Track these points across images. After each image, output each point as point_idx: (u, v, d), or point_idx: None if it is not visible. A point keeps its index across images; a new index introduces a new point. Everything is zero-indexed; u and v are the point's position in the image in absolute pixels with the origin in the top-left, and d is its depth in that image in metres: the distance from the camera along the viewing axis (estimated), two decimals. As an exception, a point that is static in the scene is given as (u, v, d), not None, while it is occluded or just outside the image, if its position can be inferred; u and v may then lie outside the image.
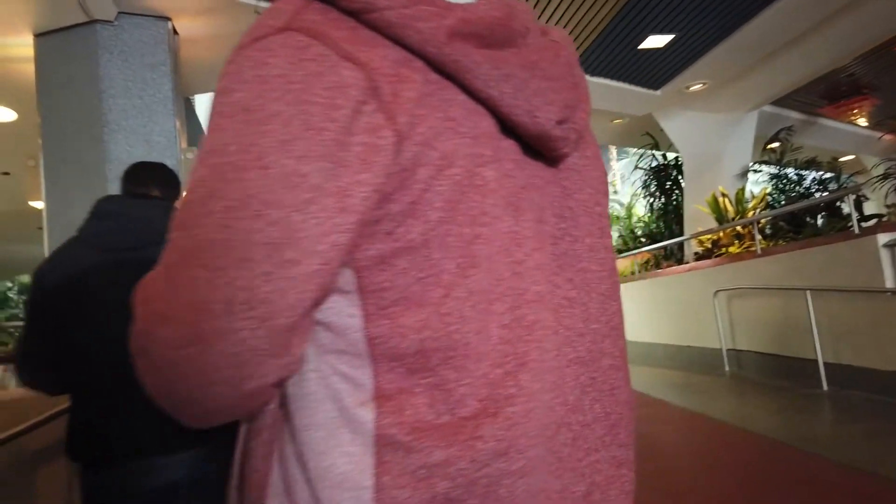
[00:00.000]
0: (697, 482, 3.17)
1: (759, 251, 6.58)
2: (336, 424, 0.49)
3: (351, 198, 0.45)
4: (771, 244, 7.28)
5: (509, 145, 0.54)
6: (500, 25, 0.50)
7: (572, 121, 0.57)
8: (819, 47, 7.12)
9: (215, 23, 4.50)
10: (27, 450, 2.33)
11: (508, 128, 0.53)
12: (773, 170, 10.92)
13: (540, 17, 6.03)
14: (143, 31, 4.27)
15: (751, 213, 8.14)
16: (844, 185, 11.30)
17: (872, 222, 6.89)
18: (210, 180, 0.45)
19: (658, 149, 10.74)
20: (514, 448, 0.48)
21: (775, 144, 10.66)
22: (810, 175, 11.03)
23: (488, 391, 0.48)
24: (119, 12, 4.19)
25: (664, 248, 9.73)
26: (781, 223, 8.47)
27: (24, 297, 20.09)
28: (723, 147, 9.22)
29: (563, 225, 0.59)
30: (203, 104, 6.43)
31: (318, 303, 0.48)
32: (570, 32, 6.48)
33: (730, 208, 8.41)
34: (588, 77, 7.62)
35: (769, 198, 9.72)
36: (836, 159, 12.44)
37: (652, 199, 11.10)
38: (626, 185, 17.79)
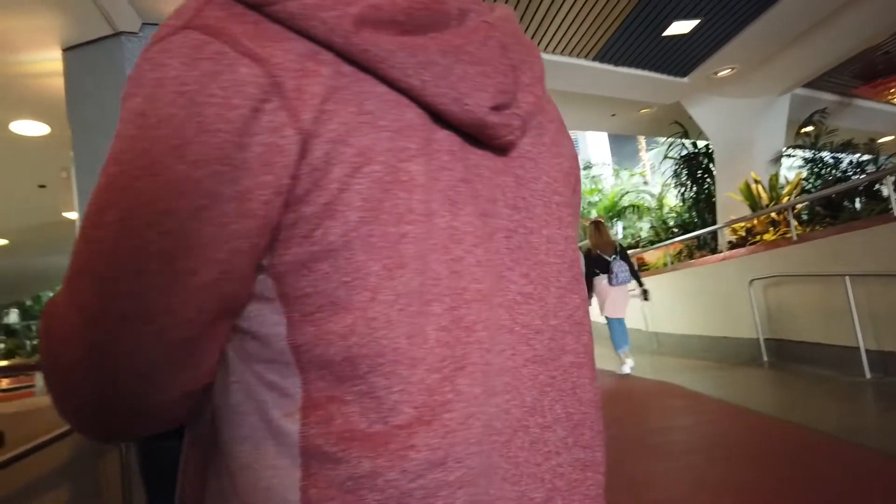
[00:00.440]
0: (736, 475, 3.11)
1: (794, 237, 6.43)
2: (261, 437, 0.47)
3: (251, 202, 0.43)
4: (807, 230, 7.11)
5: (445, 136, 0.50)
6: (421, 10, 0.47)
7: (515, 106, 0.53)
8: (852, 25, 6.92)
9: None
10: (85, 443, 2.43)
11: (441, 118, 0.50)
12: (808, 154, 10.67)
13: (560, 8, 5.98)
14: (167, 41, 4.34)
15: (785, 199, 7.97)
16: (883, 166, 10.96)
17: (914, 204, 6.68)
18: (106, 190, 0.44)
19: (687, 137, 10.60)
20: (451, 457, 0.45)
21: (809, 128, 10.43)
22: (847, 158, 10.74)
23: (425, 398, 0.45)
24: (143, 23, 4.26)
25: (697, 237, 9.58)
26: (818, 208, 8.29)
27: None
28: (754, 133, 9.06)
29: (518, 217, 0.56)
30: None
31: (225, 313, 0.47)
32: (592, 23, 6.41)
33: (763, 195, 8.25)
34: (612, 67, 7.54)
35: (804, 183, 9.51)
36: (873, 140, 12.14)
37: (683, 189, 10.96)
38: (656, 175, 17.58)
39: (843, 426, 3.78)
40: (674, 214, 12.51)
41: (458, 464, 0.45)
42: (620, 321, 7.25)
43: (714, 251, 8.95)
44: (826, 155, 10.62)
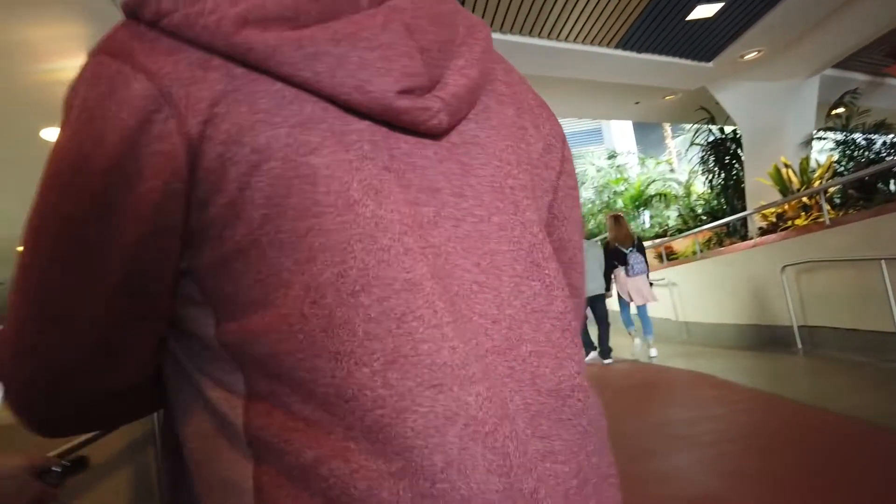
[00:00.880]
0: (772, 465, 3.05)
1: (827, 222, 6.29)
2: (213, 432, 0.49)
3: (146, 206, 0.45)
4: (840, 214, 6.96)
5: (364, 126, 0.50)
6: (310, 2, 0.48)
7: (437, 89, 0.52)
8: (882, 2, 6.74)
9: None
10: (116, 443, 2.49)
11: (351, 108, 0.50)
12: (839, 136, 10.44)
13: (581, -4, 5.92)
14: (189, 44, 4.40)
15: (817, 183, 7.81)
16: (919, 146, 10.69)
17: (951, 184, 6.51)
18: (33, 205, 0.48)
19: (714, 123, 10.46)
20: (390, 450, 0.45)
21: (840, 109, 10.22)
22: (880, 139, 10.48)
23: (353, 391, 0.45)
24: (166, 28, 4.33)
25: (727, 224, 9.44)
26: (850, 191, 8.10)
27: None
28: (783, 116, 8.89)
29: (465, 205, 0.54)
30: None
31: (143, 316, 0.50)
32: (613, 10, 6.33)
33: (794, 179, 8.10)
34: (635, 54, 7.45)
35: (836, 166, 9.31)
36: (907, 120, 11.83)
37: (711, 175, 10.82)
38: (682, 162, 17.36)
39: (881, 414, 3.68)
40: (702, 202, 12.34)
41: (397, 456, 0.45)
42: (643, 308, 7.59)
43: (744, 238, 8.82)
44: (858, 136, 10.38)
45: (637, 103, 9.72)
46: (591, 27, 6.70)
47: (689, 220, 11.78)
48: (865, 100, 10.29)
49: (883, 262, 5.10)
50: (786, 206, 7.80)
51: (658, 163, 18.61)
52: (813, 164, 8.53)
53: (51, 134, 5.77)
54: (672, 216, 14.62)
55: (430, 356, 0.47)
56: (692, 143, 11.27)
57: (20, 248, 0.48)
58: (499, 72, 0.63)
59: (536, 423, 0.52)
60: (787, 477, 2.86)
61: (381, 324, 0.46)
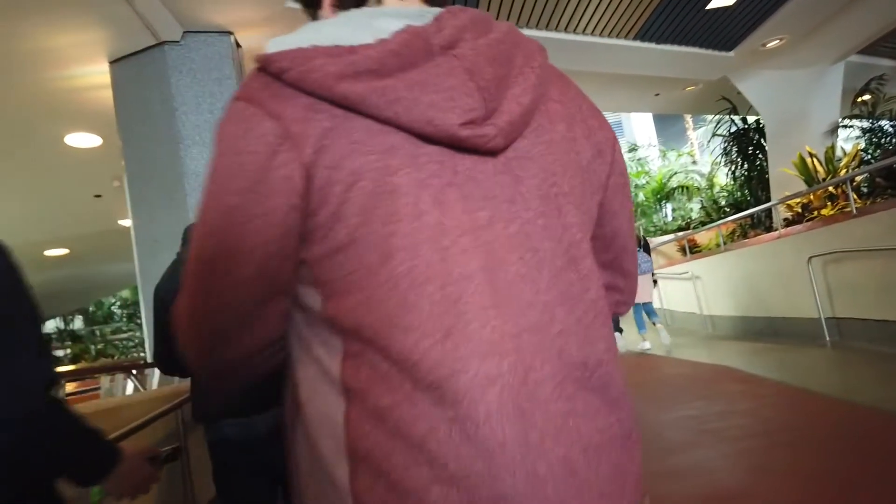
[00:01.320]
0: (801, 460, 3.01)
1: (854, 211, 6.17)
2: (318, 378, 0.66)
3: (275, 215, 0.61)
4: (867, 203, 6.83)
5: (433, 150, 0.64)
6: (391, 57, 0.62)
7: (493, 119, 0.65)
8: (908, -14, 6.60)
9: (274, 32, 4.61)
10: (146, 442, 2.53)
11: (425, 138, 0.64)
12: (866, 124, 10.25)
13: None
14: (208, 47, 4.44)
15: (843, 172, 7.68)
16: (948, 132, 10.44)
17: (983, 170, 6.34)
18: (198, 213, 0.66)
19: (736, 113, 10.33)
20: (447, 401, 0.59)
21: (866, 96, 10.02)
22: (908, 126, 10.28)
23: (419, 356, 0.60)
24: (184, 31, 4.37)
25: (751, 216, 9.32)
26: (878, 180, 7.94)
27: (125, 312, 21.47)
28: (807, 104, 8.75)
29: (515, 209, 0.68)
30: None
31: (275, 292, 0.66)
32: (632, 1, 6.27)
33: (819, 168, 7.97)
34: (654, 45, 7.38)
35: (863, 154, 9.14)
36: (936, 106, 11.57)
37: (734, 166, 10.68)
38: (704, 154, 17.15)
39: (913, 406, 3.61)
40: (725, 193, 12.20)
41: (451, 407, 0.59)
42: (648, 304, 8.37)
43: (769, 229, 8.70)
44: (885, 123, 10.20)
45: (657, 95, 9.61)
46: (609, 19, 6.63)
47: (713, 213, 11.66)
48: (892, 86, 10.09)
49: (913, 251, 5.00)
50: (811, 196, 7.68)
51: (680, 155, 18.44)
52: (839, 152, 8.38)
53: (75, 140, 5.86)
54: (695, 208, 14.47)
55: (477, 332, 0.61)
56: (714, 134, 11.16)
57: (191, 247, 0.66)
58: (553, 92, 0.76)
59: (563, 388, 0.65)
60: (815, 472, 2.81)
61: (441, 306, 0.61)
